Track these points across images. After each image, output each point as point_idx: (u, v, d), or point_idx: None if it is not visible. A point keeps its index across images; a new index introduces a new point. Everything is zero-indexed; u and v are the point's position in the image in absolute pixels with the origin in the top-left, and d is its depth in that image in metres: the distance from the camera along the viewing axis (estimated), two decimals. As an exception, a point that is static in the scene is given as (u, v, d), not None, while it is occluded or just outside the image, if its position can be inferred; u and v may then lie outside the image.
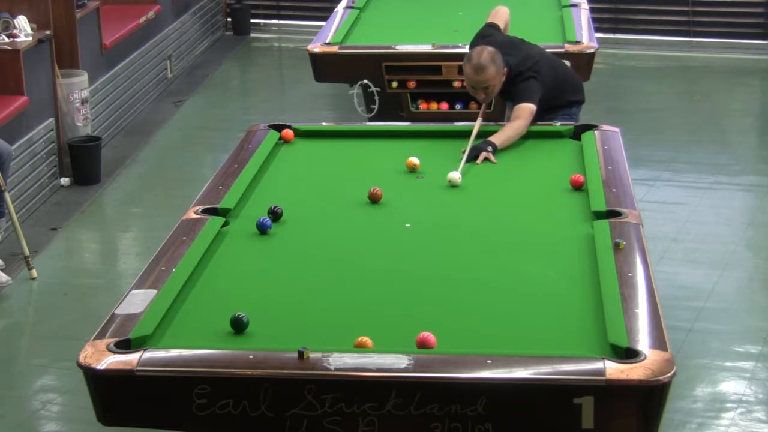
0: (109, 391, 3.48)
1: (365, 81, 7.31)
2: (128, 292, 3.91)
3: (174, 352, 3.54)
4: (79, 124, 8.19)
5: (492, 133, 5.55)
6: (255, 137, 5.55)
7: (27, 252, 6.57)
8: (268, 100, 10.36)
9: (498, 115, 6.43)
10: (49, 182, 7.83)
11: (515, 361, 3.43)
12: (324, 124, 6.47)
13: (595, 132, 5.54)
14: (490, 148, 5.38)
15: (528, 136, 5.64)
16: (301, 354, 3.41)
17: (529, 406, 3.37)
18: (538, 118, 5.76)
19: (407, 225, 4.60)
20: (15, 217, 6.62)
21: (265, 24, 12.46)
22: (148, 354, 3.49)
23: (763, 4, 11.45)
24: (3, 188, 6.53)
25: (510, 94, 5.87)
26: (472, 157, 5.32)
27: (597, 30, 8.34)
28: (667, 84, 10.52)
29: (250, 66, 11.63)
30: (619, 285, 3.88)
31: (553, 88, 5.91)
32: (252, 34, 12.26)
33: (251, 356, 3.46)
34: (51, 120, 7.88)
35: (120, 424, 3.56)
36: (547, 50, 6.30)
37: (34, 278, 6.57)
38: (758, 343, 5.75)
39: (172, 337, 3.67)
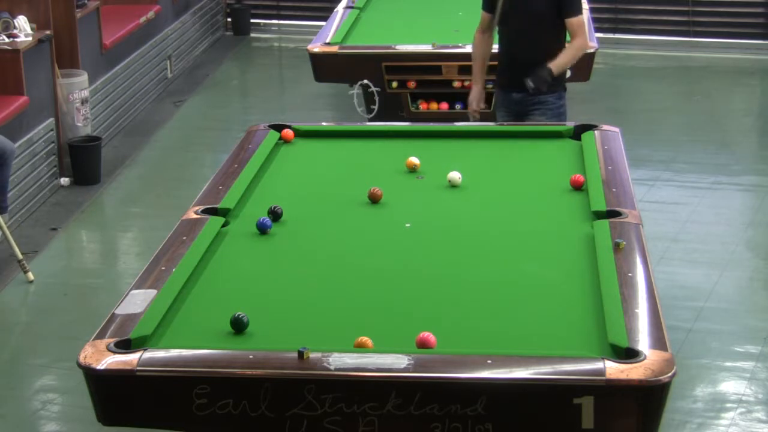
0: (109, 391, 3.48)
1: (365, 81, 7.31)
2: (128, 292, 3.91)
3: (174, 352, 3.54)
4: (79, 124, 8.19)
5: (494, 132, 5.68)
6: (255, 137, 5.54)
7: (20, 256, 6.55)
8: (268, 100, 10.36)
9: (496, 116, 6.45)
10: (49, 182, 7.83)
11: (515, 361, 3.43)
12: (324, 124, 6.47)
13: (595, 132, 5.54)
14: (549, 78, 5.91)
15: (528, 136, 5.64)
16: (301, 354, 3.41)
17: (529, 406, 3.37)
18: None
19: (407, 225, 4.59)
20: (4, 225, 6.59)
21: (265, 24, 12.46)
22: (148, 354, 3.49)
23: (763, 4, 11.45)
24: None
25: (556, 1, 6.03)
26: (535, 88, 5.85)
27: (597, 30, 8.35)
28: (667, 84, 10.52)
29: (250, 66, 11.63)
30: (619, 285, 3.88)
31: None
32: (252, 34, 12.26)
33: (251, 356, 3.46)
34: (51, 120, 7.88)
35: (120, 424, 3.56)
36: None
37: (31, 281, 6.55)
38: (758, 343, 5.75)
39: (172, 337, 3.67)
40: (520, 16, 6.09)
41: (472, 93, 6.36)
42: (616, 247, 4.17)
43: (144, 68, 9.81)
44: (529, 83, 5.92)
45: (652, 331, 3.58)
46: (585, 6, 8.27)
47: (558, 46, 6.08)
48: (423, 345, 3.55)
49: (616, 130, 5.61)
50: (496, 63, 6.34)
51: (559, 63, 5.95)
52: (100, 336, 3.60)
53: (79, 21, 8.37)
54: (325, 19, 8.75)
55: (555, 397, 3.34)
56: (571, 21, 6.04)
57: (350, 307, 3.93)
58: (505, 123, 6.11)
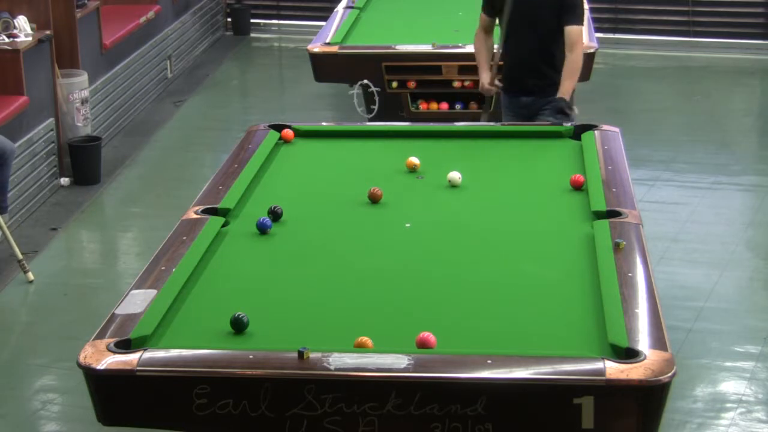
0: (109, 391, 3.48)
1: (365, 81, 7.31)
2: (128, 292, 3.91)
3: (174, 352, 3.54)
4: (79, 124, 8.19)
5: (494, 132, 5.68)
6: (255, 137, 5.54)
7: (20, 256, 6.55)
8: (268, 100, 10.36)
9: (499, 116, 6.43)
10: (49, 182, 7.83)
11: (515, 361, 3.43)
12: (324, 124, 6.47)
13: (595, 132, 5.54)
14: (566, 105, 5.87)
15: (528, 136, 5.65)
16: (301, 354, 3.41)
17: (529, 406, 3.37)
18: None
19: (407, 225, 4.59)
20: (4, 225, 6.59)
21: (265, 24, 12.46)
22: (148, 354, 3.49)
23: (763, 4, 11.45)
24: None
25: (558, 7, 5.97)
26: (563, 117, 5.78)
27: (597, 30, 8.34)
28: (667, 84, 10.52)
29: (250, 66, 11.63)
30: (619, 285, 3.88)
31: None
32: (252, 34, 12.26)
33: (251, 356, 3.46)
34: (51, 120, 7.88)
35: (120, 424, 3.56)
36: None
37: (31, 281, 6.55)
38: (758, 343, 5.75)
39: (172, 337, 3.67)
40: (524, 21, 6.07)
41: (481, 80, 6.31)
42: (616, 247, 4.17)
43: (144, 68, 9.81)
44: (555, 120, 5.84)
45: (652, 331, 3.58)
46: (585, 6, 8.29)
47: (562, 52, 6.04)
48: (423, 345, 3.55)
49: (616, 130, 5.61)
50: (500, 64, 6.33)
51: (567, 89, 5.91)
52: (100, 336, 3.60)
53: (79, 21, 8.37)
54: (325, 19, 8.75)
55: (555, 397, 3.34)
56: (571, 29, 5.98)
57: (350, 307, 3.93)
58: (507, 124, 6.10)
